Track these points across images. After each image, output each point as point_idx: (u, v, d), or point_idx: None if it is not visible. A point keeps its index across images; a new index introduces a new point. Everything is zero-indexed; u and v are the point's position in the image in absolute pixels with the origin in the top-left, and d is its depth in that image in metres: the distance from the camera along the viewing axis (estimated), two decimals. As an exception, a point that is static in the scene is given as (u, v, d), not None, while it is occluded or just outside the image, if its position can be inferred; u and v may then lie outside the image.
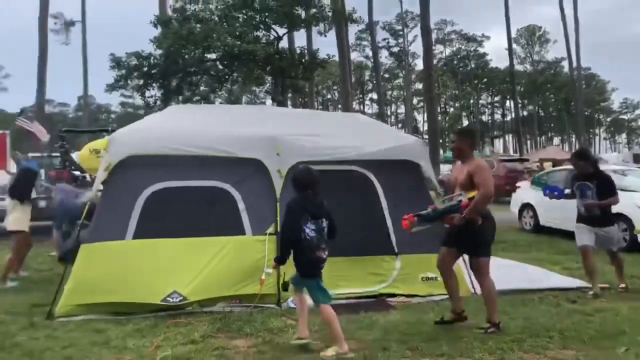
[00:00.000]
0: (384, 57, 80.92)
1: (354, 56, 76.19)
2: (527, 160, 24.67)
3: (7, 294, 6.60)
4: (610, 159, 40.59)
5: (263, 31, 14.38)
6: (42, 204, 12.48)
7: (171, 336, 4.99)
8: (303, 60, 14.94)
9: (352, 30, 72.81)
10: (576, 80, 51.26)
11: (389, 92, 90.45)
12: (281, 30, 14.51)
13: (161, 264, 5.87)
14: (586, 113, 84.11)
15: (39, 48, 28.83)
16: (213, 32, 12.74)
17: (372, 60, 54.83)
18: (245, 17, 13.81)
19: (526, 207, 13.61)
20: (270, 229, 6.29)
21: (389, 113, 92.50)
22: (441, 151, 66.06)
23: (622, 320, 5.36)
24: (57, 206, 9.53)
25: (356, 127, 7.68)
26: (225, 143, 6.40)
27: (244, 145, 6.44)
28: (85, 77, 42.95)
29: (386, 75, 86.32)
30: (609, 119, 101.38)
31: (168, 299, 5.69)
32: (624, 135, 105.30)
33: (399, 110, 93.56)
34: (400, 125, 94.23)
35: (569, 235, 10.82)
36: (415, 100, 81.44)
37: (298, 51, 16.43)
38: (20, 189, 7.73)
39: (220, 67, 14.24)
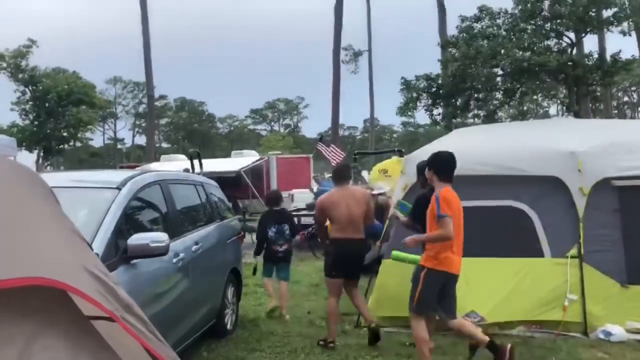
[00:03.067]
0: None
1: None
2: None
3: (322, 301, 7.45)
4: None
5: (554, 39, 13.58)
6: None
7: (472, 357, 5.00)
8: (601, 65, 13.60)
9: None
10: None
11: None
12: (574, 36, 13.48)
13: (460, 283, 5.93)
14: None
15: (332, 79, 32.20)
16: (501, 48, 12.53)
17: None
18: (534, 27, 13.24)
19: None
20: (572, 251, 5.85)
21: None
22: None
23: None
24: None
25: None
26: (519, 161, 6.19)
27: (539, 162, 6.14)
28: (372, 102, 46.33)
29: None
30: None
31: (466, 317, 5.73)
32: None
33: None
34: None
35: None
36: None
37: (596, 55, 15.01)
38: None
39: (509, 82, 13.92)
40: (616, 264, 5.81)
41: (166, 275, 4.33)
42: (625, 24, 13.48)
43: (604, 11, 13.52)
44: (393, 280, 6.16)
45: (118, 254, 3.78)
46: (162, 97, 69.55)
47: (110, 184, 4.32)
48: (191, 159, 8.62)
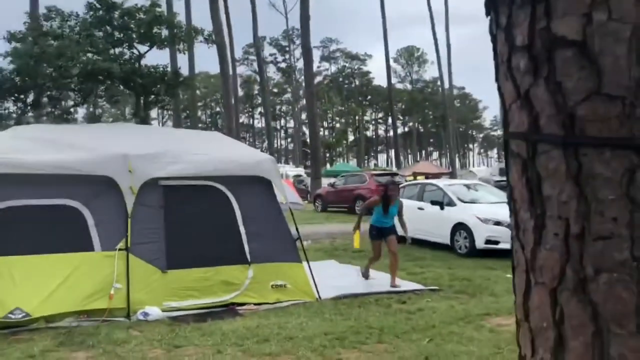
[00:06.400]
0: (272, 72, 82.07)
1: (242, 70, 76.64)
2: (397, 174, 26.10)
3: None
4: (480, 172, 44.20)
5: (126, 49, 14.39)
6: None
7: (9, 352, 5.03)
8: (165, 78, 15.14)
9: (241, 43, 73.00)
10: (447, 99, 55.15)
11: (278, 107, 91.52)
12: (143, 48, 14.64)
13: (4, 282, 5.84)
14: (461, 129, 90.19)
15: None
16: (67, 50, 12.54)
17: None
18: (105, 34, 13.77)
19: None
20: (121, 245, 6.46)
21: (278, 127, 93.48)
22: (328, 165, 68.07)
23: (436, 317, 6.14)
24: None
25: (213, 145, 8.03)
26: (74, 161, 6.47)
27: (94, 163, 6.55)
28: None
29: (275, 90, 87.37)
30: (481, 135, 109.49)
31: (10, 315, 5.69)
32: (495, 150, 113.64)
33: (288, 125, 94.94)
34: (289, 139, 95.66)
35: (428, 244, 11.89)
36: (303, 116, 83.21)
37: (161, 69, 16.59)
38: None
39: (80, 84, 14.05)
40: (159, 253, 6.68)
41: None
42: (181, 45, 15.39)
43: (165, 30, 15.14)
44: None
45: None
46: None
47: None
48: None
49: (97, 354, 5.01)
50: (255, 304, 6.87)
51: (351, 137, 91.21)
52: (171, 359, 4.89)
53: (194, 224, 7.03)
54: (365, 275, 8.62)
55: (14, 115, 14.58)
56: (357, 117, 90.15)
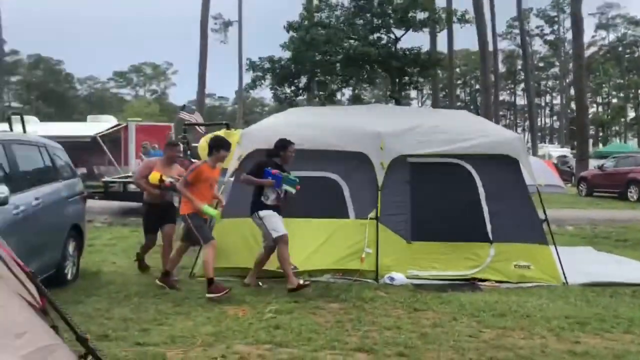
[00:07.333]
0: (537, 45, 76.90)
1: (505, 45, 73.43)
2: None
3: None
4: None
5: (384, 34, 15.25)
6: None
7: (281, 296, 6.08)
8: (419, 60, 15.58)
9: (505, 16, 69.92)
10: None
11: (543, 82, 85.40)
12: (399, 32, 15.27)
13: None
14: None
15: (200, 47, 32.11)
16: (334, 37, 13.89)
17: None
18: (365, 21, 14.80)
19: None
20: (372, 214, 7.15)
21: (542, 104, 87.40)
22: (600, 145, 61.48)
23: (703, 316, 5.44)
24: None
25: (460, 123, 8.19)
26: (336, 138, 7.34)
27: (352, 141, 7.33)
28: (240, 73, 46.55)
29: (540, 64, 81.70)
30: None
31: (284, 267, 6.81)
32: None
33: (554, 101, 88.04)
34: (555, 117, 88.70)
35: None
36: (572, 91, 76.20)
37: (415, 51, 17.04)
38: None
39: (343, 69, 15.42)
40: (404, 224, 7.20)
41: (5, 224, 4.86)
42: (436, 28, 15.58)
43: (420, 14, 15.49)
44: (225, 237, 7.07)
45: (-41, 203, 4.28)
46: (14, 52, 64.05)
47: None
48: (9, 120, 7.90)
49: (348, 307, 5.74)
50: (496, 282, 6.95)
51: (631, 114, 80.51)
52: (411, 319, 5.34)
53: (438, 199, 7.36)
54: None
55: (289, 98, 16.85)
56: (639, 91, 79.08)
